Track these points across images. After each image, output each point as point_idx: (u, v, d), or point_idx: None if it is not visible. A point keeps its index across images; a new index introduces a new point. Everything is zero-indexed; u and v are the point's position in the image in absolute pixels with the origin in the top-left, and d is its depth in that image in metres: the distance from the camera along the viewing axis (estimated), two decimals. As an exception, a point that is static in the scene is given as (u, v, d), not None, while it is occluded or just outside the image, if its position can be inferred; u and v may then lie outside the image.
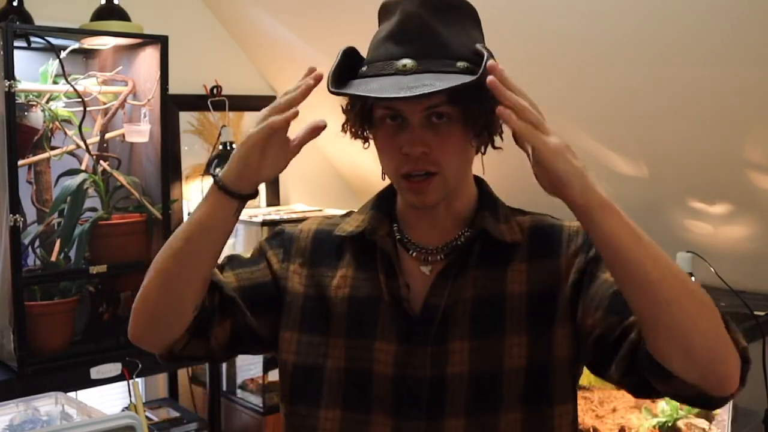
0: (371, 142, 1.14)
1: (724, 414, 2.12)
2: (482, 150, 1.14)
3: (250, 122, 3.25)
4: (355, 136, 1.15)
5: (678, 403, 2.28)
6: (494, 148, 1.14)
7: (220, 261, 1.20)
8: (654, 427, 2.29)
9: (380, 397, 1.09)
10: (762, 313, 2.16)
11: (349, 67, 1.12)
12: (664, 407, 2.30)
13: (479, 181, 1.21)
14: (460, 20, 1.08)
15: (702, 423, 2.23)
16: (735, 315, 2.15)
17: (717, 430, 2.16)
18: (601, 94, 2.23)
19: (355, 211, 1.25)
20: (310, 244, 1.21)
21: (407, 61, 1.03)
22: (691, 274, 2.19)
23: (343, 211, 1.28)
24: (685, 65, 1.97)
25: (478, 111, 1.05)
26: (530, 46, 2.22)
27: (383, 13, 1.13)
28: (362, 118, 1.12)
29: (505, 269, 1.12)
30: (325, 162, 3.54)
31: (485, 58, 1.01)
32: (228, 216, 1.07)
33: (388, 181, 1.18)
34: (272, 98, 3.91)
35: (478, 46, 1.05)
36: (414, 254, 1.15)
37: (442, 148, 1.06)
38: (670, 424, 2.27)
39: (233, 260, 1.22)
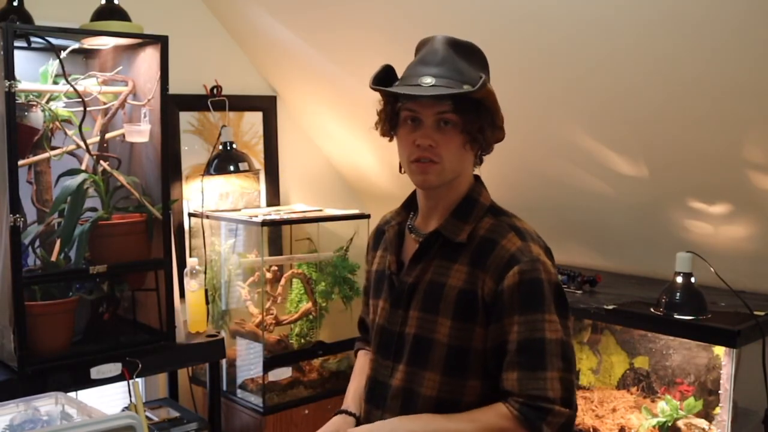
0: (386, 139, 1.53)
1: (724, 414, 2.12)
2: (477, 154, 1.49)
3: (250, 122, 3.26)
4: (383, 132, 1.52)
5: (678, 403, 2.29)
6: (484, 153, 1.50)
7: None
8: (654, 427, 2.29)
9: (375, 342, 1.56)
10: (762, 313, 2.16)
11: (385, 80, 1.45)
12: (664, 407, 2.30)
13: (474, 185, 1.52)
14: (473, 60, 1.44)
15: (702, 423, 2.23)
16: (735, 315, 2.15)
17: (717, 429, 2.16)
18: (601, 94, 2.23)
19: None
20: (372, 238, 1.70)
21: (428, 79, 1.39)
22: (690, 274, 2.20)
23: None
24: (685, 65, 1.97)
25: (475, 119, 1.41)
26: (533, 47, 2.23)
27: (419, 48, 1.49)
28: (391, 118, 1.48)
29: (452, 264, 1.45)
30: (325, 162, 3.54)
31: (482, 79, 1.37)
32: None
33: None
34: (272, 98, 3.91)
35: (481, 75, 1.39)
36: (414, 236, 1.54)
37: (445, 145, 1.42)
38: (670, 424, 2.27)
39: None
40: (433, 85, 1.38)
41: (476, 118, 1.41)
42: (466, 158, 1.46)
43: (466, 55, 1.43)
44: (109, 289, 2.30)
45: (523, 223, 1.48)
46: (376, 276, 1.61)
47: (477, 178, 1.54)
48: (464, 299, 1.42)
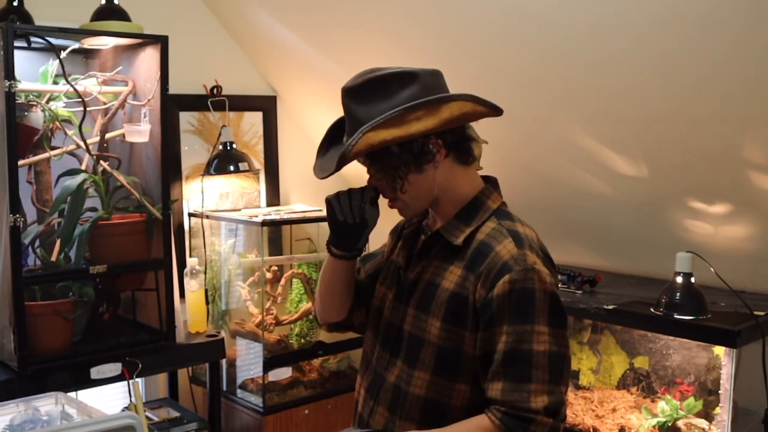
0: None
1: (723, 414, 2.12)
2: (455, 158, 1.45)
3: (250, 122, 3.26)
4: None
5: (678, 403, 2.29)
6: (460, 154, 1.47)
7: None
8: (654, 427, 2.29)
9: (380, 330, 1.57)
10: (762, 313, 2.16)
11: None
12: (664, 407, 2.30)
13: (483, 188, 1.50)
14: (375, 98, 1.40)
15: (702, 423, 2.23)
16: (735, 315, 2.15)
17: (717, 429, 2.16)
18: (601, 94, 2.23)
19: None
20: (399, 224, 1.70)
21: (344, 138, 1.48)
22: (690, 274, 2.20)
23: None
24: (685, 66, 1.97)
25: (386, 161, 1.43)
26: (533, 47, 2.23)
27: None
28: None
29: (449, 266, 1.46)
30: (325, 162, 3.53)
31: (356, 134, 1.36)
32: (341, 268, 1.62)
33: None
34: (272, 98, 3.89)
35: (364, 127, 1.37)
36: (422, 236, 1.57)
37: (390, 189, 1.48)
38: (670, 424, 2.27)
39: None
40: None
41: (387, 159, 1.43)
42: (425, 181, 1.45)
43: (365, 97, 1.40)
44: (101, 295, 2.28)
45: (525, 229, 1.45)
46: (387, 263, 1.64)
47: (489, 180, 1.53)
48: (455, 302, 1.41)
